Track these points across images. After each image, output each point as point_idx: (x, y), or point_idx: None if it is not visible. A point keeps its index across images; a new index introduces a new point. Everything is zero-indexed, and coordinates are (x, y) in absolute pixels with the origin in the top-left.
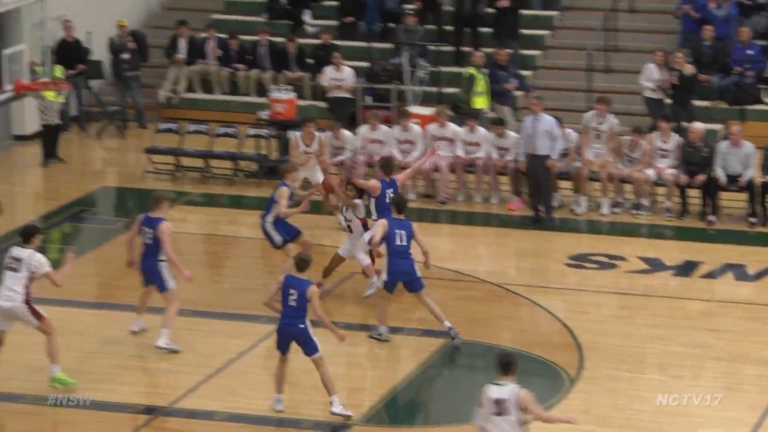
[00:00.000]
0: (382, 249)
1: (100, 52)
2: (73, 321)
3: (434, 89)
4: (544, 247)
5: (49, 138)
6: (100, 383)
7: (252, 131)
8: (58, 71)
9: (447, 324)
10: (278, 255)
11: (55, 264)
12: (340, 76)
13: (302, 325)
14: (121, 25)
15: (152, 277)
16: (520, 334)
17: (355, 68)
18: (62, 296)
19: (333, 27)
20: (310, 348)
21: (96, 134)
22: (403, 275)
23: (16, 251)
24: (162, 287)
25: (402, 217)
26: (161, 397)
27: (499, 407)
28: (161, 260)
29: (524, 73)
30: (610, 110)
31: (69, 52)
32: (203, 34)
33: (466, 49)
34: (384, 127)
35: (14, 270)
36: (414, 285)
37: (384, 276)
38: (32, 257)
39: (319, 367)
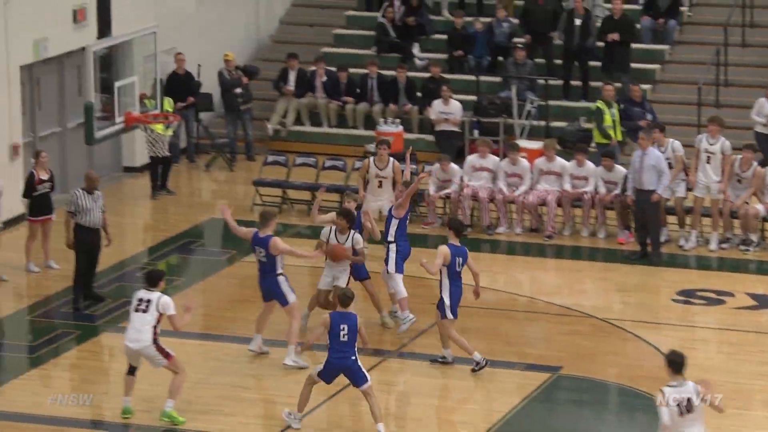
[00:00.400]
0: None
1: (209, 85)
2: (179, 351)
3: (542, 123)
4: (651, 282)
5: (158, 170)
6: (204, 414)
7: (359, 164)
8: (168, 104)
9: (476, 356)
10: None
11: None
12: (448, 110)
13: (353, 357)
14: (227, 59)
15: (272, 293)
16: (626, 369)
17: (463, 102)
18: (168, 326)
19: (442, 60)
20: (360, 380)
21: (205, 166)
22: (459, 300)
23: (144, 294)
24: (283, 301)
25: (458, 243)
26: (266, 428)
27: (686, 407)
28: (279, 275)
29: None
30: (722, 132)
31: (180, 85)
32: (312, 67)
33: (575, 83)
34: (493, 157)
35: (143, 311)
36: None
37: (447, 301)
38: (160, 300)
39: (369, 397)
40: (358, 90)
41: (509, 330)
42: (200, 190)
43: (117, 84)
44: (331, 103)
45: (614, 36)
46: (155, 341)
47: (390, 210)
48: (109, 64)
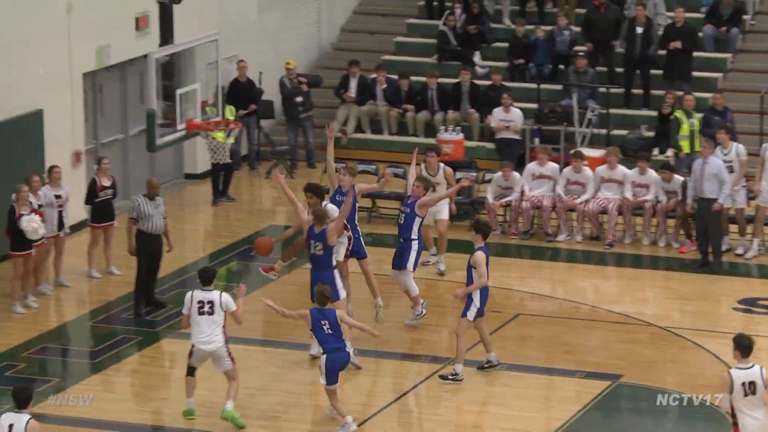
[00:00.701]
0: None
1: (271, 92)
2: (240, 358)
3: (603, 131)
4: (711, 291)
5: (219, 177)
6: (264, 420)
7: None
8: (229, 112)
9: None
10: (445, 292)
11: None
12: (509, 117)
13: (346, 349)
14: (288, 67)
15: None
16: (686, 377)
17: (523, 110)
18: (229, 333)
19: (503, 68)
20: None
21: (265, 173)
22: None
23: (205, 295)
24: (336, 297)
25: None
26: None
27: (750, 389)
28: (334, 268)
29: (697, 115)
30: None
31: (241, 92)
32: (373, 75)
33: (637, 91)
34: (552, 164)
35: (210, 314)
36: None
37: (478, 303)
38: (221, 298)
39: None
40: (418, 98)
41: (569, 338)
42: (261, 196)
43: (179, 91)
44: (391, 111)
45: (676, 44)
46: (226, 342)
47: (413, 207)
48: (171, 71)
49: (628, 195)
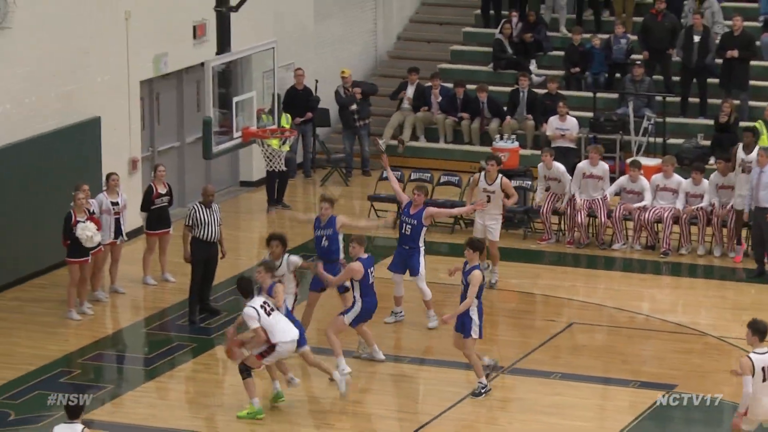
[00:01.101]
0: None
1: (326, 100)
2: (294, 364)
3: (659, 140)
4: (767, 301)
5: (274, 184)
6: (317, 428)
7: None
8: (285, 120)
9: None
10: (498, 302)
11: None
12: (565, 126)
13: None
14: (343, 76)
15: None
16: (740, 387)
17: (579, 118)
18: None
19: (558, 77)
20: None
21: (320, 181)
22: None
23: (260, 301)
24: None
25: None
26: None
27: None
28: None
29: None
30: None
31: (298, 100)
32: (428, 83)
33: (693, 100)
34: (603, 164)
35: (272, 310)
36: None
37: (477, 320)
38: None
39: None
40: (473, 106)
41: (624, 347)
42: (315, 204)
43: (235, 99)
44: (447, 119)
45: (733, 53)
46: None
47: (420, 219)
48: (228, 79)
49: (679, 205)
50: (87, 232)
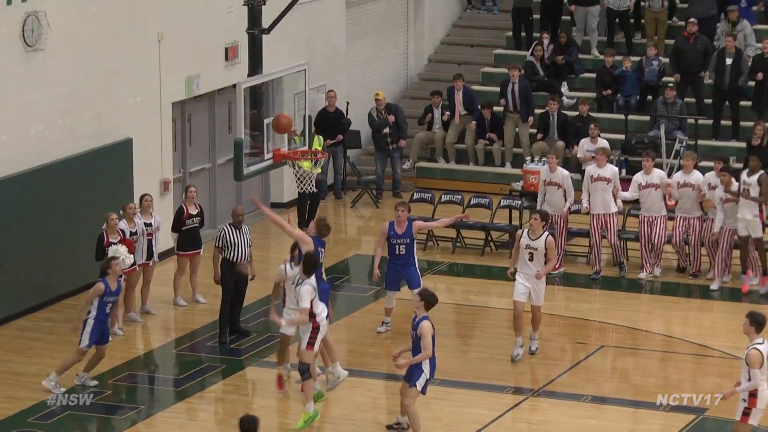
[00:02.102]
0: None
1: (358, 122)
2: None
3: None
4: None
5: (305, 206)
6: None
7: (504, 202)
8: (317, 142)
9: None
10: (528, 324)
11: None
12: (596, 148)
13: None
14: (377, 98)
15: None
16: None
17: (611, 140)
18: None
19: (590, 99)
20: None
21: (351, 203)
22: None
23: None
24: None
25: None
26: None
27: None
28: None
29: None
30: None
31: (329, 122)
32: (451, 85)
33: (725, 122)
34: (611, 167)
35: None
36: None
37: (428, 375)
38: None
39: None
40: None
41: (654, 370)
42: (346, 226)
43: (267, 121)
44: (477, 144)
45: (759, 76)
46: None
47: (411, 236)
48: (260, 100)
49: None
50: (117, 254)
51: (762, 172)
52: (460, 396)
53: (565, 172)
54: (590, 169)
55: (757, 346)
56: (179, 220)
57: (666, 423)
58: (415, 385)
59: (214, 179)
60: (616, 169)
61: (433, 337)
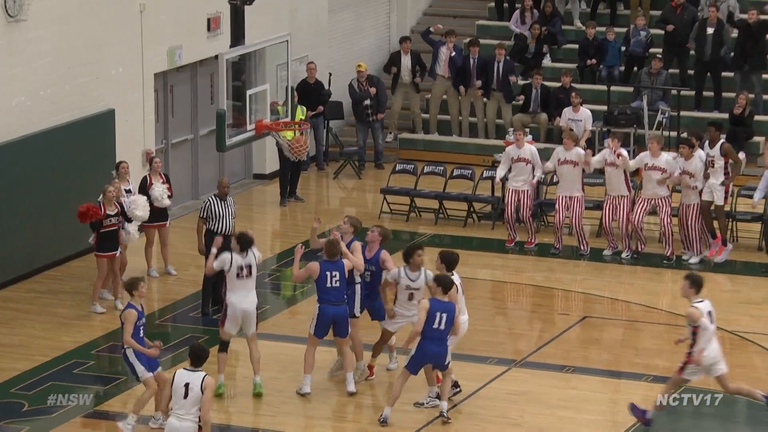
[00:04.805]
0: None
1: (340, 93)
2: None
3: (673, 134)
4: None
5: (287, 177)
6: (326, 419)
7: (487, 173)
8: (300, 113)
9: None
10: (511, 295)
11: (290, 302)
12: (578, 117)
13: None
14: (359, 70)
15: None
16: (752, 382)
17: (593, 111)
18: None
19: (572, 70)
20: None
21: (333, 174)
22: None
23: (242, 259)
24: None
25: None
26: None
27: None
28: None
29: (766, 119)
30: None
31: (310, 93)
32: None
33: (708, 93)
34: (577, 149)
35: (248, 276)
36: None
37: (412, 351)
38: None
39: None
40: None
41: (636, 341)
42: (328, 197)
43: (249, 92)
44: (461, 98)
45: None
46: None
47: (377, 263)
48: (242, 72)
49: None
50: (138, 210)
51: (722, 141)
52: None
53: (533, 148)
54: (559, 150)
55: (696, 304)
56: (144, 190)
57: (648, 394)
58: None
59: (197, 150)
60: (582, 152)
61: (433, 315)
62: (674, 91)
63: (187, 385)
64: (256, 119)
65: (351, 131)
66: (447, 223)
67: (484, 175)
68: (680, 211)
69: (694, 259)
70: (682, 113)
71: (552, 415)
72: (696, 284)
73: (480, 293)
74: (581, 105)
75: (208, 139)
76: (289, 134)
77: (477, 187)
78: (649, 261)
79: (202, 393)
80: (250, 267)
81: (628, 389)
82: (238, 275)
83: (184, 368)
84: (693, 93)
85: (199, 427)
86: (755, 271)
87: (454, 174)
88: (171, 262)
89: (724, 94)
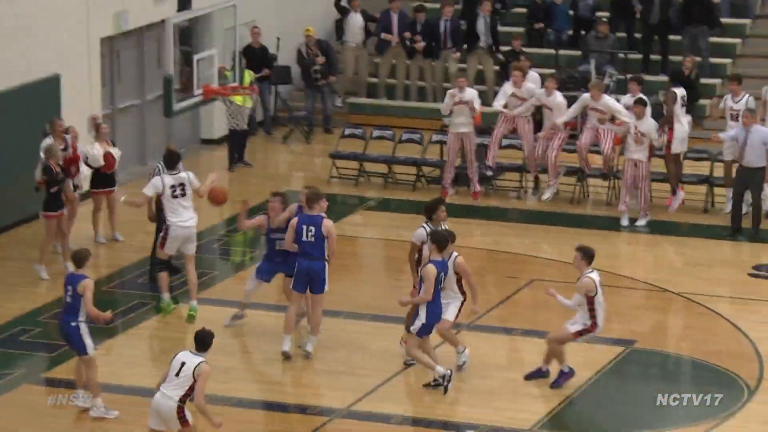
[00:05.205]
0: None
1: (288, 57)
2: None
3: (621, 97)
4: (726, 257)
5: (236, 142)
6: (280, 385)
7: (436, 137)
8: (248, 76)
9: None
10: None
11: (238, 267)
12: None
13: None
14: (307, 34)
15: (316, 278)
16: (699, 343)
17: (542, 75)
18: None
19: (521, 34)
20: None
21: (282, 139)
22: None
23: (174, 179)
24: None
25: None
26: (339, 399)
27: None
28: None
29: (713, 81)
30: None
31: (255, 58)
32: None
33: (655, 57)
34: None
35: (182, 195)
36: None
37: (423, 318)
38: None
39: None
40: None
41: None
42: (277, 162)
43: (196, 57)
44: (408, 62)
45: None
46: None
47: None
48: (189, 36)
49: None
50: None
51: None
52: (391, 331)
53: (474, 91)
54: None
55: (591, 275)
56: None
57: (595, 356)
58: (409, 330)
59: (144, 116)
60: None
61: (440, 282)
62: (622, 55)
63: (183, 364)
64: (204, 84)
65: (300, 96)
66: (396, 187)
67: (432, 139)
68: (625, 168)
69: (641, 221)
70: (630, 77)
71: (497, 377)
72: (588, 256)
73: None
74: (530, 69)
75: (156, 104)
76: (238, 98)
77: (426, 151)
78: (595, 224)
79: (195, 379)
80: (183, 185)
81: (576, 352)
82: (173, 195)
83: (190, 350)
84: (641, 56)
85: (180, 407)
86: (701, 233)
87: (403, 138)
88: (118, 229)
89: (671, 57)
